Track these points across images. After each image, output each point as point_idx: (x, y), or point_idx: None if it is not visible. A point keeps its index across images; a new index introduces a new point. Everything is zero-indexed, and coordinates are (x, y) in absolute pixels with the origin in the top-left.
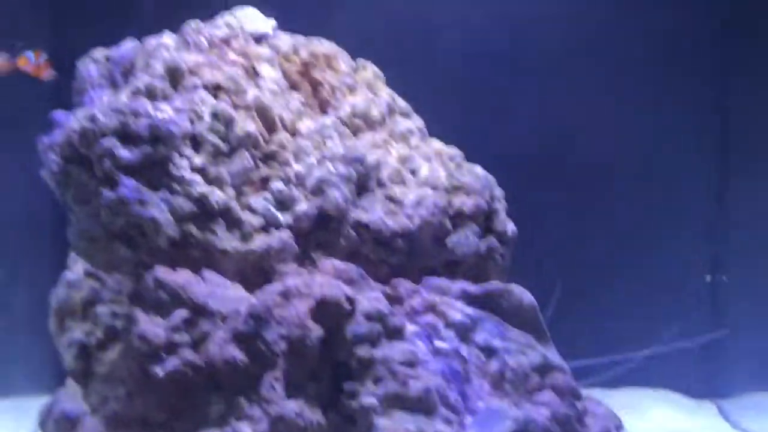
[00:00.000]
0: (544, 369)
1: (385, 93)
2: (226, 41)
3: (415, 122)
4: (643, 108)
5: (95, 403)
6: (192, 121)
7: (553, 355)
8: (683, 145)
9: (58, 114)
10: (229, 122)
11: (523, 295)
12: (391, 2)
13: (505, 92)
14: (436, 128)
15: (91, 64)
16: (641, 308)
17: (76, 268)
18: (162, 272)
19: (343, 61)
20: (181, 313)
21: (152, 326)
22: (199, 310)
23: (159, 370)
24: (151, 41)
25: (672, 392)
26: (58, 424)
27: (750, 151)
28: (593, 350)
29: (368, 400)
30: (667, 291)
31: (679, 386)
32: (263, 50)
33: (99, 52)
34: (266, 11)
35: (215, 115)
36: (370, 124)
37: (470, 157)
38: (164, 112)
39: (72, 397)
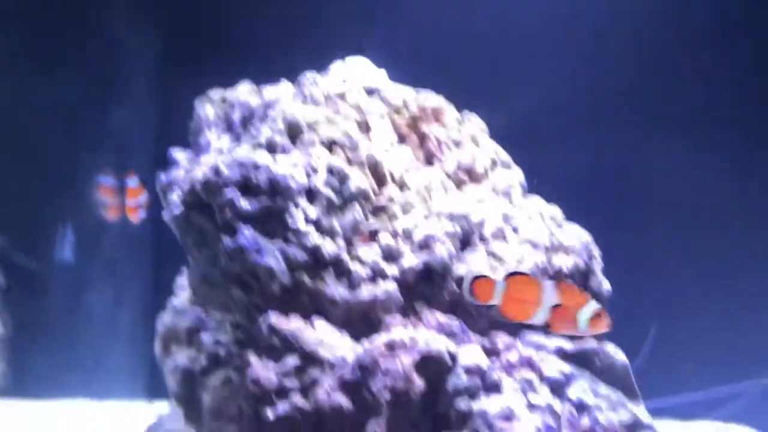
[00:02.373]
0: (633, 427)
1: (489, 145)
2: (341, 95)
3: (516, 174)
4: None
5: None
6: (308, 176)
7: (643, 414)
8: None
9: (174, 152)
10: (343, 178)
11: (616, 354)
12: None
13: None
14: None
15: (208, 105)
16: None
17: (183, 295)
18: (275, 319)
19: (450, 114)
20: (292, 360)
21: (265, 371)
22: (309, 358)
23: (270, 414)
24: (270, 92)
25: (744, 426)
26: None
27: None
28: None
29: None
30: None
31: (750, 421)
32: (375, 104)
33: (216, 93)
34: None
35: (330, 171)
36: (475, 177)
37: None
38: (283, 166)
39: (176, 420)
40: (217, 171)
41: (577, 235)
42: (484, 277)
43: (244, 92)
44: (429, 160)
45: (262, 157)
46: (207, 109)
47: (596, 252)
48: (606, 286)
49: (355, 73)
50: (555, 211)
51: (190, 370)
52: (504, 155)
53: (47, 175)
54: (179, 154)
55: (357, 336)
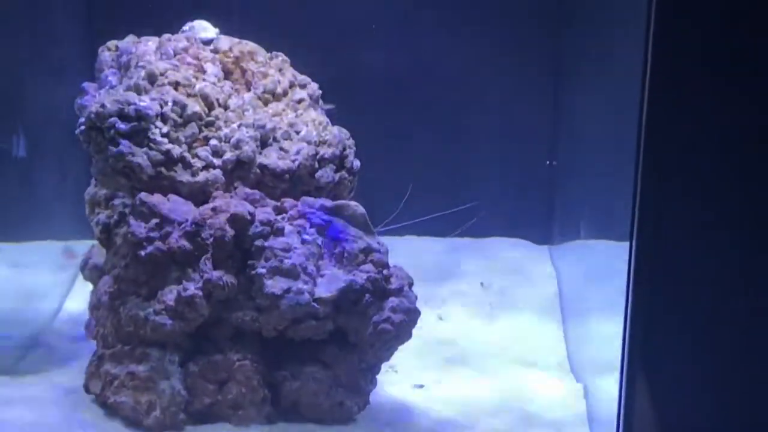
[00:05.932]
0: (367, 251)
1: (290, 73)
2: (185, 49)
3: (309, 90)
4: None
5: (108, 269)
6: (161, 106)
7: (375, 243)
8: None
9: (86, 85)
10: (183, 106)
11: (357, 207)
12: None
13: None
14: None
15: (106, 52)
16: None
17: None
18: (144, 195)
19: (261, 54)
20: (154, 220)
21: (138, 228)
22: (165, 219)
23: (142, 253)
24: (141, 46)
25: (524, 240)
26: (91, 271)
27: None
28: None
29: (261, 270)
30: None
31: (529, 236)
32: (209, 53)
33: (111, 43)
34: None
35: (175, 102)
36: (276, 96)
37: None
38: (144, 101)
39: (100, 255)
40: (103, 106)
41: (335, 135)
42: None
43: (127, 43)
44: (248, 86)
45: (132, 97)
46: (105, 54)
47: (349, 142)
48: (357, 163)
49: (197, 30)
50: (324, 119)
51: (107, 223)
52: (301, 77)
53: None
54: (89, 86)
55: (197, 204)
